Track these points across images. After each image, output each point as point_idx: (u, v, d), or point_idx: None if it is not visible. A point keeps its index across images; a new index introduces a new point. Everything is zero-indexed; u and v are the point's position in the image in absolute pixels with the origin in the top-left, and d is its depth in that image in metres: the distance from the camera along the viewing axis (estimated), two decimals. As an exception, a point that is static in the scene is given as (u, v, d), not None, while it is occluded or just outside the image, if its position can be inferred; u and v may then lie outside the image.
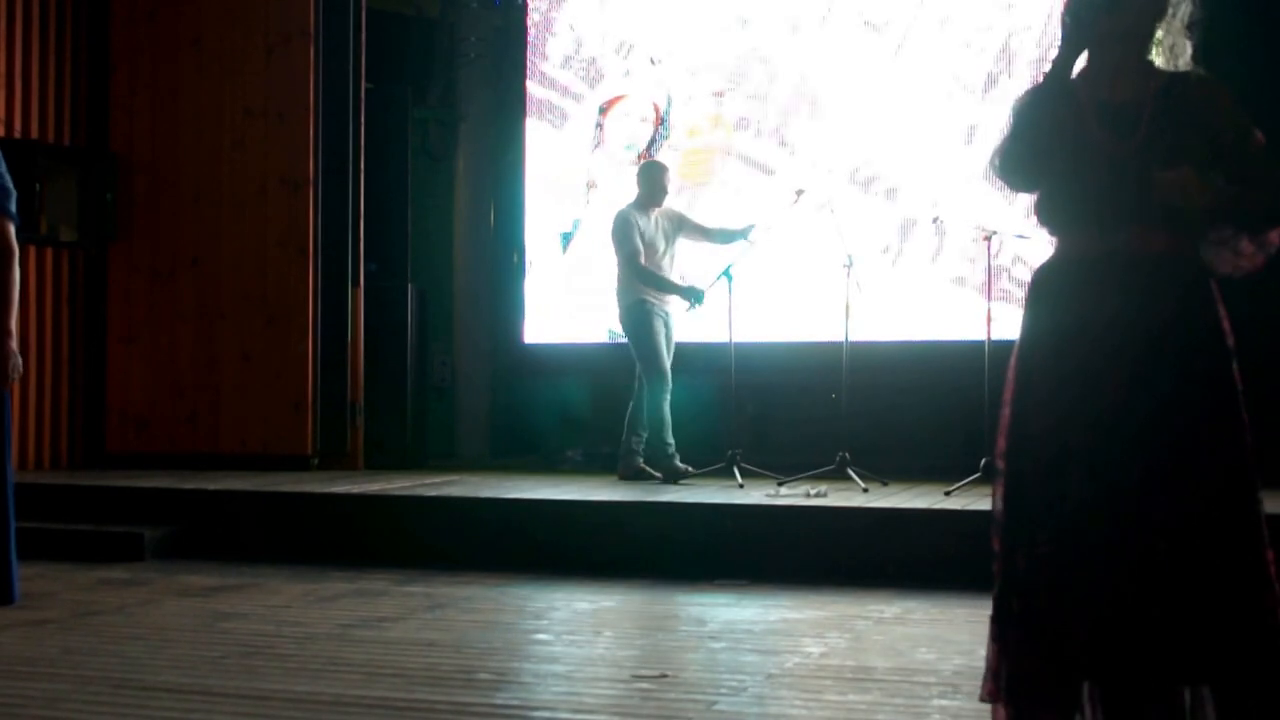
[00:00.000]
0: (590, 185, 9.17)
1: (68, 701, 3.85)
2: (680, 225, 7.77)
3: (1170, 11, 2.82)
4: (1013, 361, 2.89)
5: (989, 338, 6.96)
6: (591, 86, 9.22)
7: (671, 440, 7.50)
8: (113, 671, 4.22)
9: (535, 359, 9.29)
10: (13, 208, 4.16)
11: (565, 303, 9.17)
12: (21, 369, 4.32)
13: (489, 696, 3.93)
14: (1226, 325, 2.78)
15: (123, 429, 8.71)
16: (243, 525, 6.91)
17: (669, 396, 7.52)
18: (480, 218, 9.77)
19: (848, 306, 7.22)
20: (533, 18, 9.37)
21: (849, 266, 7.23)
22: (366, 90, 8.51)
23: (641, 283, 7.56)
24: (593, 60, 9.22)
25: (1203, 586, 2.66)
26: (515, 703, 3.87)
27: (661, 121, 9.02)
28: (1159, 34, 2.83)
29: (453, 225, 9.82)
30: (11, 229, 4.17)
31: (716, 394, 7.79)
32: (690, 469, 7.44)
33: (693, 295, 7.55)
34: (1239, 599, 2.66)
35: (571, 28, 9.26)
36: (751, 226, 7.66)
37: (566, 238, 9.18)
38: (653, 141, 9.03)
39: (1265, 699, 2.67)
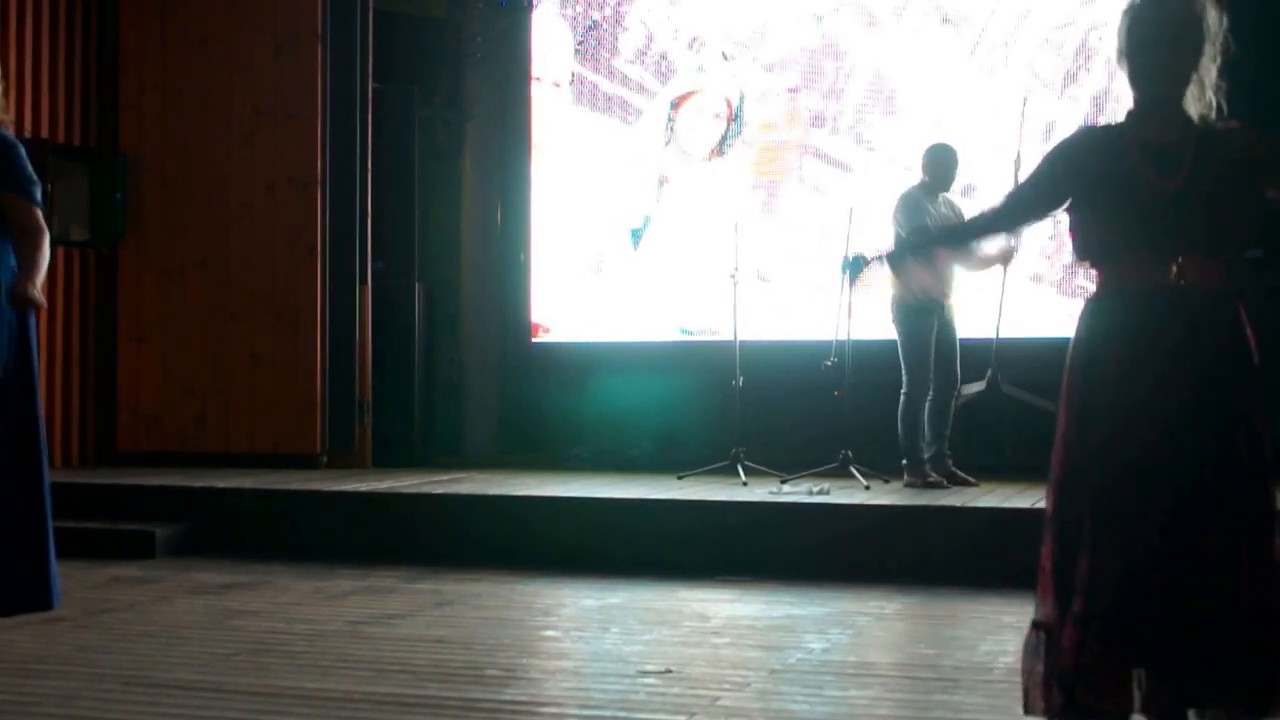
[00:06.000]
0: (662, 181, 9.10)
1: (80, 699, 3.89)
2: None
3: (1208, 53, 2.89)
4: (1063, 390, 2.96)
5: (997, 335, 7.00)
6: (663, 82, 9.16)
7: (922, 445, 6.98)
8: (125, 669, 4.27)
9: (542, 357, 9.32)
10: (38, 196, 4.39)
11: (635, 300, 9.04)
12: (42, 302, 4.55)
13: (497, 692, 3.97)
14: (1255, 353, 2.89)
15: (133, 427, 8.76)
16: (252, 523, 6.97)
17: (928, 402, 7.00)
18: (487, 216, 9.80)
19: (848, 306, 7.26)
20: (604, 12, 9.30)
21: (848, 272, 7.22)
22: (374, 90, 8.55)
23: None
24: (664, 55, 9.14)
25: (1236, 606, 2.75)
26: (523, 698, 3.91)
27: (734, 117, 8.93)
28: (1194, 79, 2.90)
29: (460, 224, 9.85)
30: (40, 214, 4.44)
31: (720, 392, 7.84)
32: (942, 480, 6.88)
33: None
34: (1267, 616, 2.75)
35: (643, 23, 9.19)
36: None
37: (636, 234, 9.10)
38: (725, 137, 8.95)
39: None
